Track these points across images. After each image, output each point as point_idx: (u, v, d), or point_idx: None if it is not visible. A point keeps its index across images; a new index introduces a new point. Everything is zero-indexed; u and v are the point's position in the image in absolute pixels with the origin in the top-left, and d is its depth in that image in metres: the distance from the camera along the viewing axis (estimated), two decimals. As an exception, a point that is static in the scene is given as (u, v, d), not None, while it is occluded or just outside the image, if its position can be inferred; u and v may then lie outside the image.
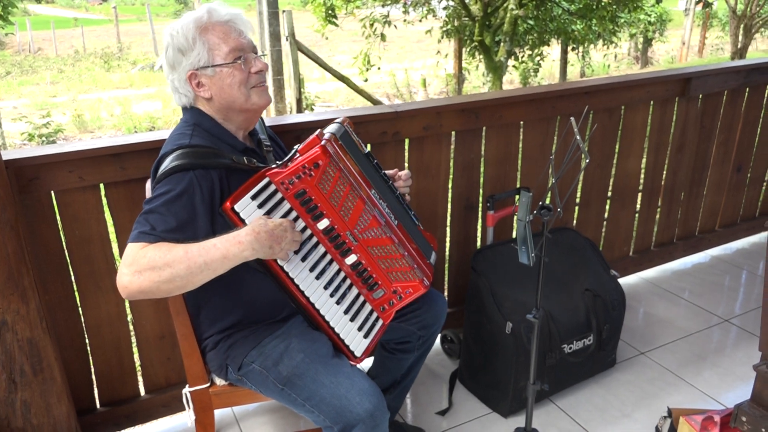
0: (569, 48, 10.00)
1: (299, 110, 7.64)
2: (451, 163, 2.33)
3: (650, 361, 2.42)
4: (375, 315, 1.57)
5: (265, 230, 1.35)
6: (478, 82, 10.88)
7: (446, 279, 2.51)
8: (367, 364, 1.93)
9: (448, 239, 2.44)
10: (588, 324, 2.14)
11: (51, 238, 1.76)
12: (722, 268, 3.17)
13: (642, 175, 2.88)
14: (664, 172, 2.92)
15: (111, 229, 1.84)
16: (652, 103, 2.73)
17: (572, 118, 1.55)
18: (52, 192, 1.73)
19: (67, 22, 24.64)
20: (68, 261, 1.81)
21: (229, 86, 1.47)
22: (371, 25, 7.15)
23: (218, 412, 1.70)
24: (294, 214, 1.44)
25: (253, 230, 1.34)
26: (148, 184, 1.56)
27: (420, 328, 1.75)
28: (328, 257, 1.51)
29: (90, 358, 1.93)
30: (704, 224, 3.21)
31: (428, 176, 2.28)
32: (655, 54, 15.30)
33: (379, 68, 7.70)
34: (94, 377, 1.97)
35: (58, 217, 1.76)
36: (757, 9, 8.91)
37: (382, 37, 7.16)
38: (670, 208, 3.03)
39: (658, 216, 3.01)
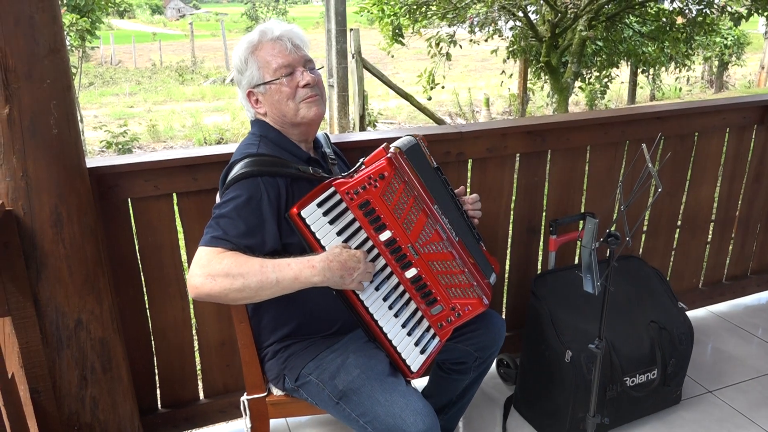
0: (639, 70, 9.73)
1: (362, 126, 7.74)
2: (515, 186, 2.31)
3: (718, 401, 2.30)
4: (432, 331, 1.57)
5: (338, 260, 1.39)
6: (541, 103, 10.73)
7: (504, 302, 2.47)
8: (422, 382, 1.92)
9: (508, 262, 2.41)
10: (652, 357, 2.06)
11: (125, 243, 1.85)
12: (800, 307, 2.99)
13: (715, 205, 2.76)
14: (739, 202, 2.79)
15: (180, 236, 1.92)
16: (728, 130, 2.63)
17: (644, 145, 1.51)
18: (129, 199, 1.82)
19: (146, 36, 25.97)
20: (140, 266, 1.89)
21: (278, 102, 1.54)
22: (437, 44, 7.17)
23: (272, 421, 1.72)
24: (357, 224, 1.46)
25: (327, 258, 1.39)
26: (218, 196, 1.62)
27: (477, 349, 1.72)
28: (388, 270, 1.51)
29: (155, 360, 2.01)
30: (782, 259, 3.04)
31: (490, 198, 2.26)
32: (731, 78, 14.67)
33: (443, 87, 7.70)
34: (157, 379, 2.04)
35: (133, 224, 1.85)
36: None
37: (448, 56, 7.16)
38: (745, 240, 2.89)
39: (731, 248, 2.87)
